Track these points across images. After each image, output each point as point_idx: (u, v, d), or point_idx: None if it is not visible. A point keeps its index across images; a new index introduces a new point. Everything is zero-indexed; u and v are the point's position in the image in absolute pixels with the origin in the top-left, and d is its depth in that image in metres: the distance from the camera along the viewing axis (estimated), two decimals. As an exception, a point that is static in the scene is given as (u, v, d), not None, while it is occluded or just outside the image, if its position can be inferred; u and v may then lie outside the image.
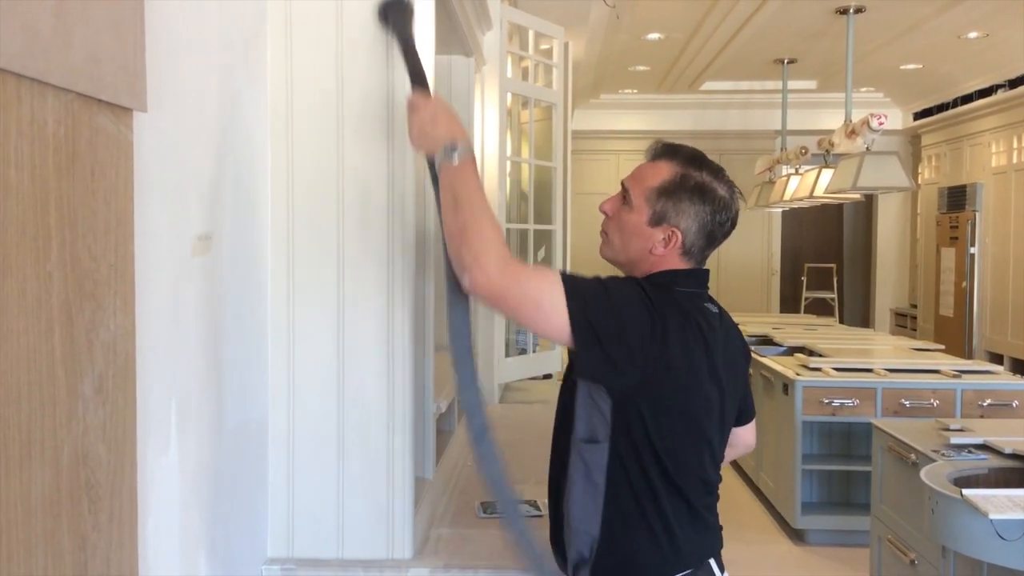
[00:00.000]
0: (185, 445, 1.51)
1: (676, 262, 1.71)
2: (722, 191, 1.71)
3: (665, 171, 1.70)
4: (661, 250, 1.70)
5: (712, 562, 1.72)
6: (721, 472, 1.81)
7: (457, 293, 1.64)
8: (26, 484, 1.02)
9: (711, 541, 1.74)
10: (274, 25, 1.91)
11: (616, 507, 1.64)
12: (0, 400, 0.97)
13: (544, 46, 4.30)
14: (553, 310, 1.54)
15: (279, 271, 1.93)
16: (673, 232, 1.69)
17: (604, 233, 1.79)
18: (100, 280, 1.18)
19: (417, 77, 1.76)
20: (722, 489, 1.82)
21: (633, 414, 1.61)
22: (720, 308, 1.78)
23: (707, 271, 1.77)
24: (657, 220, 1.69)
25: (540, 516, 2.25)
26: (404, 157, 1.92)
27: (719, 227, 1.71)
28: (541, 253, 4.28)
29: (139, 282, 1.29)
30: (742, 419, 1.90)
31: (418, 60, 1.80)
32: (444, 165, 1.63)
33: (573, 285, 1.57)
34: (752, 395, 1.97)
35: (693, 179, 1.69)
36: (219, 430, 1.68)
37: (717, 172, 1.73)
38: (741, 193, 1.76)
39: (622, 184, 1.76)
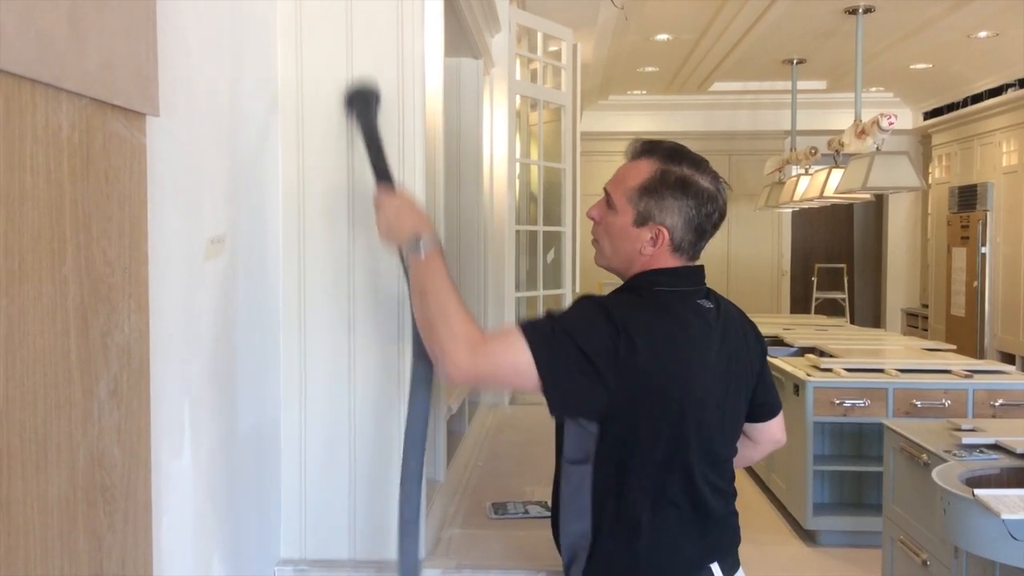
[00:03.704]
0: (199, 447, 1.52)
1: (666, 260, 1.70)
2: (705, 183, 1.69)
3: (645, 169, 1.69)
4: (650, 250, 1.69)
5: (715, 566, 1.70)
6: (733, 473, 1.81)
7: (422, 375, 1.70)
8: (43, 486, 1.03)
9: (711, 544, 1.71)
10: (284, 28, 1.92)
11: (603, 519, 1.65)
12: (17, 402, 0.98)
13: (553, 48, 4.31)
14: (528, 367, 1.56)
15: (290, 273, 1.94)
16: (660, 230, 1.68)
17: (595, 241, 1.79)
18: (114, 283, 1.19)
19: (381, 172, 1.76)
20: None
21: (618, 431, 1.62)
22: (720, 303, 1.76)
23: (700, 267, 1.75)
24: (642, 220, 1.68)
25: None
26: (414, 159, 1.93)
27: (706, 219, 1.69)
28: (551, 255, 4.28)
29: (153, 285, 1.30)
30: (764, 415, 1.88)
31: (382, 154, 1.78)
32: (412, 259, 1.66)
33: (534, 334, 1.58)
34: (775, 390, 1.94)
35: (674, 174, 1.67)
36: (232, 432, 1.69)
37: (698, 164, 1.70)
38: (727, 182, 1.74)
39: (604, 189, 1.75)
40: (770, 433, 1.93)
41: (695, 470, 1.67)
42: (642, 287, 1.70)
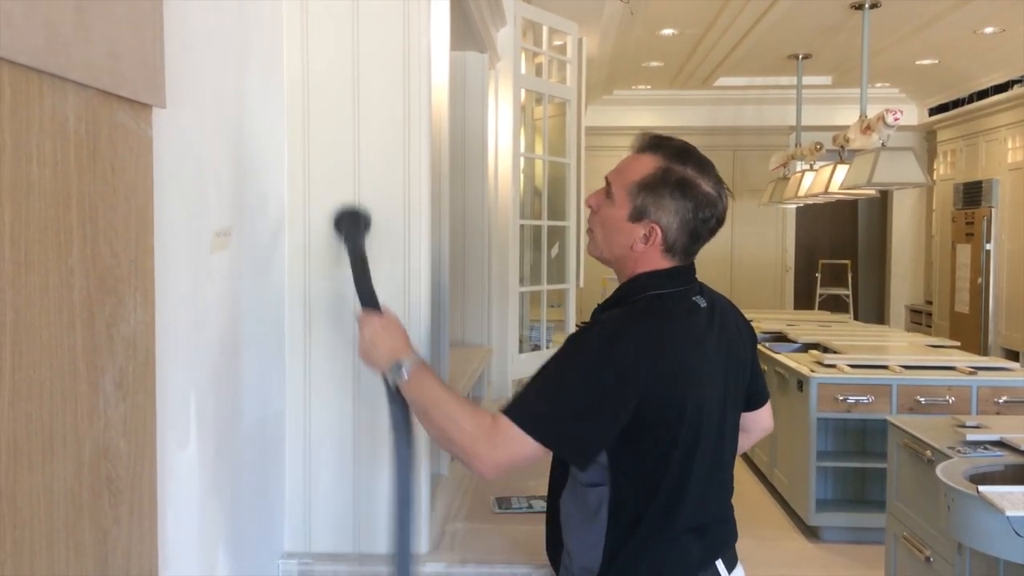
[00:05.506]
0: (204, 440, 1.52)
1: (657, 260, 1.68)
2: (707, 187, 1.65)
3: (648, 165, 1.66)
4: (642, 247, 1.67)
5: (719, 563, 1.70)
6: (733, 467, 1.81)
7: (402, 449, 1.70)
8: (48, 478, 1.03)
9: (716, 541, 1.71)
10: (290, 21, 1.92)
11: (617, 535, 1.63)
12: (23, 394, 0.97)
13: (558, 42, 4.29)
14: (537, 450, 1.55)
15: (295, 266, 1.94)
16: (653, 228, 1.65)
17: (590, 231, 1.77)
18: (121, 276, 1.18)
19: (365, 296, 1.75)
20: (736, 485, 1.82)
21: (625, 450, 1.61)
22: (712, 299, 1.75)
23: (691, 266, 1.73)
24: (638, 215, 1.66)
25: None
26: (420, 153, 1.92)
27: (702, 224, 1.66)
28: (555, 250, 4.28)
29: (159, 277, 1.30)
30: (754, 403, 1.88)
31: (367, 277, 1.77)
32: (399, 384, 1.65)
33: (526, 420, 1.55)
34: (763, 377, 1.94)
35: (676, 174, 1.64)
36: (237, 425, 1.69)
37: (703, 167, 1.67)
38: (730, 190, 1.71)
39: (605, 178, 1.73)
40: (760, 420, 1.93)
41: (705, 471, 1.66)
42: (633, 295, 1.69)
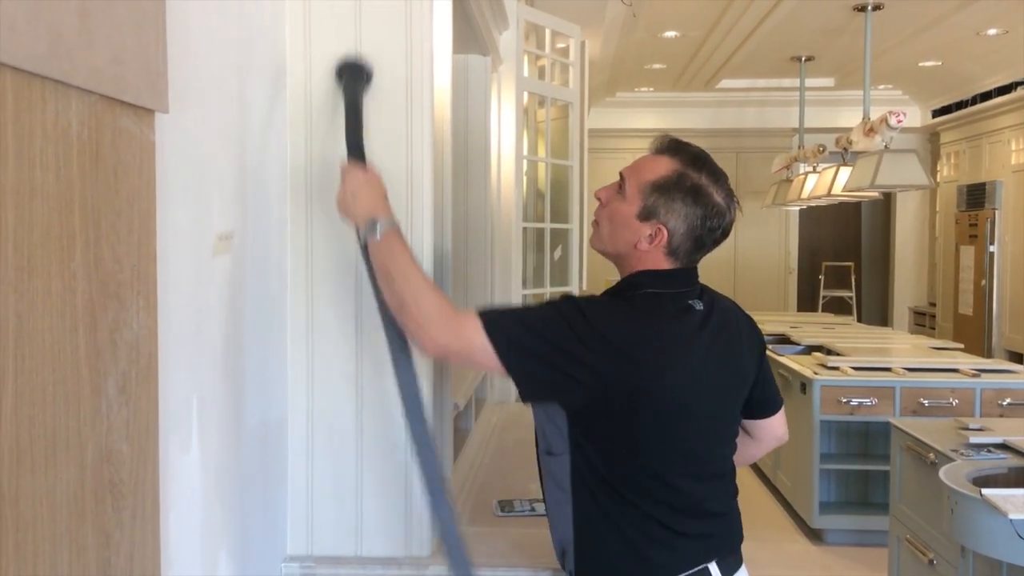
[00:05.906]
0: (206, 443, 1.52)
1: (660, 261, 1.70)
2: (718, 197, 1.68)
3: (664, 167, 1.69)
4: (646, 246, 1.69)
5: (712, 565, 1.69)
6: (732, 470, 1.81)
7: (399, 350, 1.69)
8: (51, 482, 1.03)
9: (708, 544, 1.70)
10: (293, 24, 1.92)
11: (584, 514, 1.66)
12: (26, 399, 0.98)
13: (560, 45, 4.30)
14: (490, 354, 1.58)
15: (298, 269, 1.94)
16: (660, 229, 1.67)
17: (595, 223, 1.79)
18: (123, 280, 1.19)
19: (353, 147, 1.74)
20: (739, 487, 1.81)
21: (587, 427, 1.63)
22: (714, 302, 1.75)
23: (693, 268, 1.75)
24: (647, 215, 1.68)
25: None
26: (422, 153, 1.93)
27: (708, 233, 1.69)
28: (558, 252, 4.28)
29: (161, 282, 1.30)
30: (764, 411, 1.88)
31: (359, 129, 1.76)
32: (370, 241, 1.67)
33: (491, 324, 1.59)
34: (775, 385, 1.93)
35: (690, 180, 1.67)
36: (239, 428, 1.69)
37: (717, 177, 1.70)
38: (739, 203, 1.74)
39: (620, 173, 1.75)
40: (772, 429, 1.92)
41: (677, 469, 1.67)
42: (627, 289, 1.71)
